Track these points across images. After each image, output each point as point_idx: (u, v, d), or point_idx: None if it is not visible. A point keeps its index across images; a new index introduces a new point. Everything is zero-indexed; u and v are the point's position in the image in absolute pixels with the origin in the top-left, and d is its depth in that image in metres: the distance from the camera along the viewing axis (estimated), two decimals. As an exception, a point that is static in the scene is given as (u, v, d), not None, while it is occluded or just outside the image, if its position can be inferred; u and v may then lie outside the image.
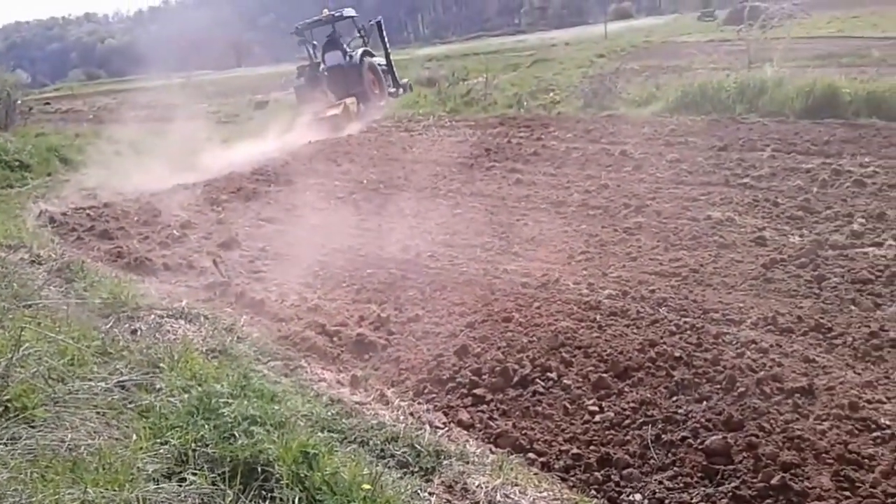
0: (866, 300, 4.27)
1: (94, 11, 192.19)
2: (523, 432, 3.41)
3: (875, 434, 3.05)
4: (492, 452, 3.24)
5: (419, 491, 2.86)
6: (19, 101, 18.67)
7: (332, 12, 16.77)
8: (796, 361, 3.71)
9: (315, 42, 17.00)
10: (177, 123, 17.50)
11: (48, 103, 35.21)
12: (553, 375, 3.85)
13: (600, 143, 9.52)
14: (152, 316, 4.74)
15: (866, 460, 2.90)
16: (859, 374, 3.56)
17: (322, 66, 16.52)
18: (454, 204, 7.44)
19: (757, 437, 3.08)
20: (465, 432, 3.46)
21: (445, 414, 3.67)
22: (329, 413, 3.49)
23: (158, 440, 2.89)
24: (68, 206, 8.98)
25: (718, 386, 3.53)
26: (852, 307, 4.23)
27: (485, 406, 3.71)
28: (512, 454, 3.23)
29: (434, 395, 3.87)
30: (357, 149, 11.41)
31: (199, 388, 3.37)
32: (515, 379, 3.87)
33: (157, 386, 3.46)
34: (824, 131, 8.41)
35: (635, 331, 4.23)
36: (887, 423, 3.11)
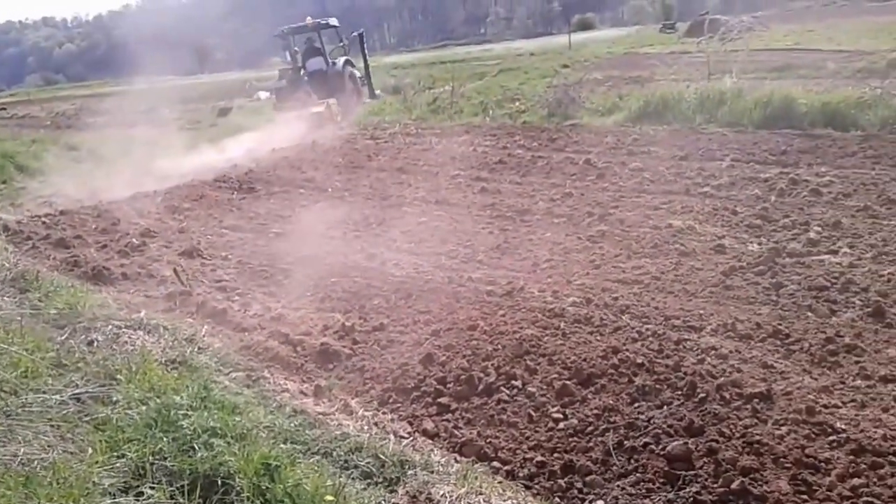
0: (822, 307, 4.38)
1: (51, 16, 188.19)
2: (488, 441, 3.42)
3: (831, 438, 3.13)
4: (456, 461, 3.24)
5: (383, 502, 2.85)
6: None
7: (318, 20, 17.18)
8: (755, 367, 3.79)
9: (296, 48, 17.18)
10: (138, 129, 17.22)
11: (4, 108, 34.37)
12: (518, 383, 3.87)
13: (565, 151, 9.63)
14: (110, 327, 4.62)
15: (823, 464, 2.97)
16: (816, 379, 3.65)
17: (303, 70, 16.65)
18: (419, 212, 7.45)
19: (717, 442, 3.14)
20: (430, 441, 3.46)
21: (410, 423, 3.66)
22: (292, 424, 3.45)
23: (115, 454, 2.83)
24: (23, 214, 8.74)
25: (679, 392, 3.58)
26: (809, 314, 4.34)
27: (450, 415, 3.71)
28: (477, 463, 3.23)
29: (399, 405, 3.85)
30: (322, 156, 11.35)
31: (158, 400, 3.31)
32: (480, 387, 3.88)
33: (114, 398, 3.39)
34: (782, 141, 8.64)
35: (599, 338, 4.27)
36: (842, 427, 3.19)
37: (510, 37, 69.67)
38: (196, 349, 4.42)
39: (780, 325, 4.20)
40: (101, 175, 10.93)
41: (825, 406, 3.37)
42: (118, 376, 3.62)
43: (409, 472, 3.06)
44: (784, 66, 16.68)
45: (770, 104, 9.44)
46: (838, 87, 10.55)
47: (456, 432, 3.53)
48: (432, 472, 3.08)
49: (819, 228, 5.67)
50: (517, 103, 13.56)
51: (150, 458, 2.74)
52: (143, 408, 3.23)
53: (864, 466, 2.92)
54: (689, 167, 8.00)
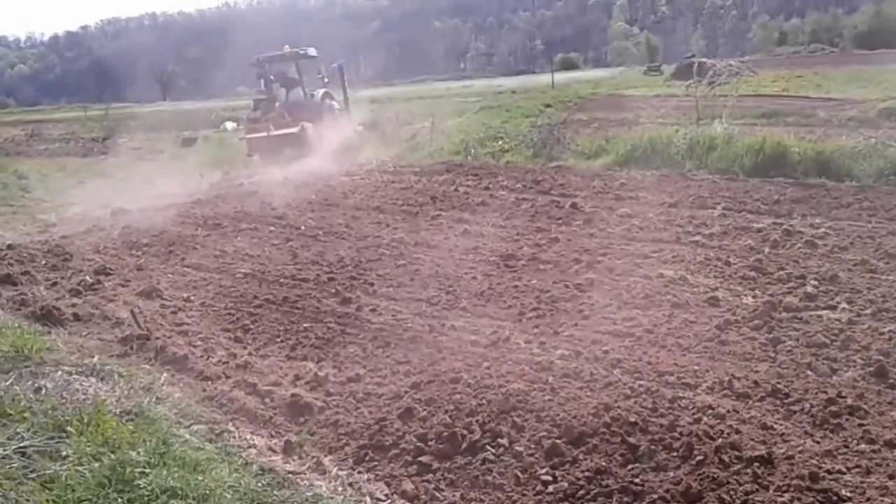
0: (822, 365, 4.43)
1: (3, 35, 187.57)
2: (472, 504, 3.36)
3: (836, 506, 3.13)
4: (439, 527, 3.18)
5: (360, 572, 2.77)
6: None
7: (296, 49, 17.26)
8: (754, 428, 3.80)
9: (272, 77, 17.22)
10: (94, 158, 17.08)
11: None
12: (504, 441, 3.83)
13: (550, 194, 9.75)
14: (59, 373, 4.51)
15: (828, 534, 2.97)
16: (818, 442, 3.67)
17: (278, 101, 16.69)
18: (398, 254, 7.45)
19: (717, 509, 3.12)
20: (410, 505, 3.39)
21: (388, 484, 3.58)
22: (259, 484, 3.37)
23: (64, 516, 2.72)
24: (-34, 247, 8.55)
25: (676, 454, 3.57)
26: (808, 372, 4.38)
27: (431, 475, 3.65)
28: (461, 529, 3.17)
29: (376, 463, 3.78)
30: (294, 192, 11.34)
31: (112, 456, 3.22)
32: (464, 445, 3.83)
33: (64, 453, 3.28)
34: (774, 190, 8.85)
35: (589, 394, 4.26)
36: (848, 494, 3.19)
37: (490, 73, 71.12)
38: (154, 399, 4.32)
39: (779, 383, 4.24)
40: (52, 207, 10.78)
41: (829, 472, 3.37)
42: (68, 428, 3.52)
43: (388, 538, 2.98)
44: (772, 113, 17.23)
45: (762, 151, 9.70)
46: (831, 135, 10.90)
47: (437, 494, 3.47)
48: (413, 539, 3.01)
49: (816, 282, 5.77)
50: (500, 142, 13.74)
51: (104, 521, 2.64)
52: (96, 464, 3.13)
53: (872, 538, 2.92)
54: (679, 214, 8.15)
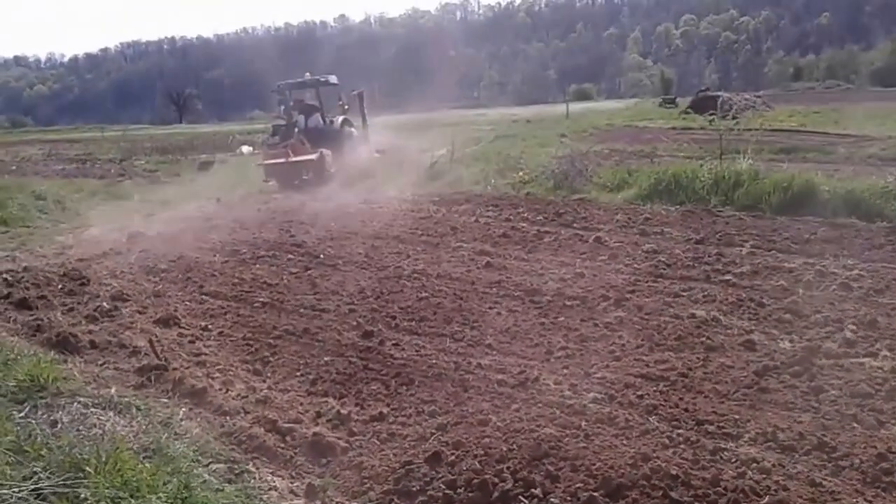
0: (869, 417, 4.24)
1: (24, 55, 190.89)
2: (508, 561, 3.19)
3: (896, 574, 2.94)
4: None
5: None
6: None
7: (317, 77, 17.51)
8: (802, 485, 3.61)
9: (292, 103, 17.41)
10: (111, 180, 17.12)
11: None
12: (538, 492, 3.65)
13: (573, 227, 9.62)
14: (76, 405, 4.38)
15: None
16: (870, 501, 3.48)
17: (297, 127, 16.79)
18: (419, 286, 7.31)
19: (772, 575, 2.93)
20: (441, 559, 3.22)
21: (417, 536, 3.42)
22: (283, 532, 3.20)
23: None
24: (-18, 269, 8.48)
25: (722, 511, 3.39)
26: (855, 424, 4.19)
27: (462, 527, 3.48)
28: (496, 589, 3.00)
29: (403, 512, 3.61)
30: (312, 219, 11.27)
31: (133, 501, 3.06)
32: (495, 494, 3.65)
33: (82, 495, 3.13)
34: (804, 229, 8.67)
35: (625, 442, 4.09)
36: (910, 561, 3.00)
37: (504, 102, 71.50)
38: (173, 434, 4.18)
39: (824, 435, 4.05)
40: (70, 229, 10.74)
41: (887, 535, 3.19)
42: (86, 468, 3.37)
43: None
44: (791, 148, 17.13)
45: (790, 189, 9.54)
46: (859, 174, 10.72)
47: (470, 549, 3.30)
48: None
49: (854, 327, 5.58)
50: (521, 173, 13.65)
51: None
52: (116, 509, 2.98)
53: None
54: (706, 251, 7.98)
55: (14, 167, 25.37)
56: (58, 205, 13.51)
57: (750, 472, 3.71)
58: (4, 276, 7.90)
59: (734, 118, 13.27)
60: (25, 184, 15.37)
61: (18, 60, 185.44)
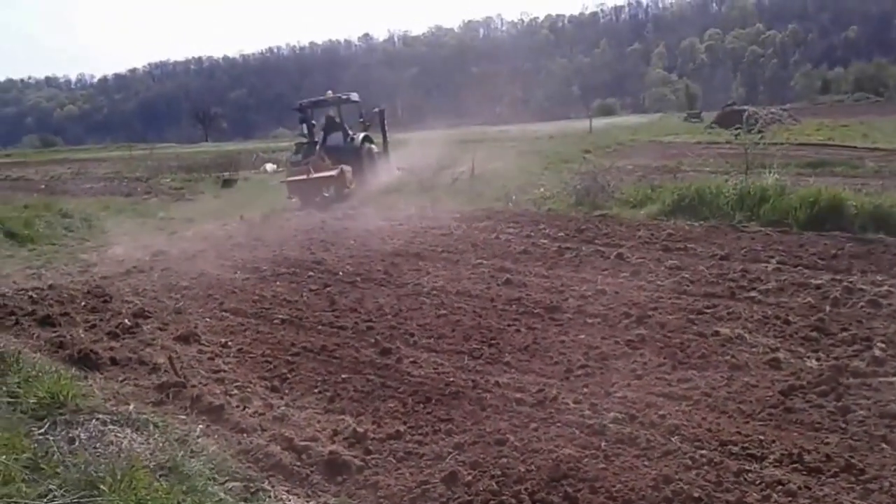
0: (899, 438, 4.13)
1: (55, 75, 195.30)
2: (524, 585, 3.13)
3: None
4: None
5: None
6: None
7: (339, 94, 17.77)
8: (829, 509, 3.51)
9: (314, 121, 17.66)
10: (137, 198, 17.37)
11: (-7, 170, 35.03)
12: (556, 514, 3.60)
13: (594, 244, 9.54)
14: (94, 421, 4.40)
15: None
16: (900, 525, 3.37)
17: (319, 145, 16.98)
18: (438, 304, 7.29)
19: None
20: (456, 582, 3.17)
21: (432, 558, 3.37)
22: (297, 553, 3.18)
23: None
24: (9, 286, 8.61)
25: (746, 535, 3.30)
26: (884, 445, 4.08)
27: (478, 549, 3.43)
28: None
29: (419, 533, 3.57)
30: (332, 237, 11.32)
31: (146, 520, 3.06)
32: (513, 516, 3.60)
33: (96, 513, 3.14)
34: (831, 245, 8.52)
35: (646, 463, 4.01)
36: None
37: (527, 118, 71.57)
38: (189, 452, 4.18)
39: (852, 457, 3.94)
40: (95, 246, 10.89)
41: (919, 562, 3.08)
42: (101, 485, 3.38)
43: None
44: (819, 162, 16.92)
45: (817, 204, 9.38)
46: (888, 189, 10.52)
47: (486, 572, 3.24)
48: None
49: (883, 345, 5.45)
50: (542, 189, 13.61)
51: None
52: (129, 528, 2.98)
53: None
54: (731, 268, 7.86)
55: (43, 186, 25.92)
56: (84, 223, 13.71)
57: (775, 495, 3.62)
58: (30, 293, 8.04)
59: (760, 132, 13.05)
60: (53, 202, 15.62)
61: (49, 81, 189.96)
